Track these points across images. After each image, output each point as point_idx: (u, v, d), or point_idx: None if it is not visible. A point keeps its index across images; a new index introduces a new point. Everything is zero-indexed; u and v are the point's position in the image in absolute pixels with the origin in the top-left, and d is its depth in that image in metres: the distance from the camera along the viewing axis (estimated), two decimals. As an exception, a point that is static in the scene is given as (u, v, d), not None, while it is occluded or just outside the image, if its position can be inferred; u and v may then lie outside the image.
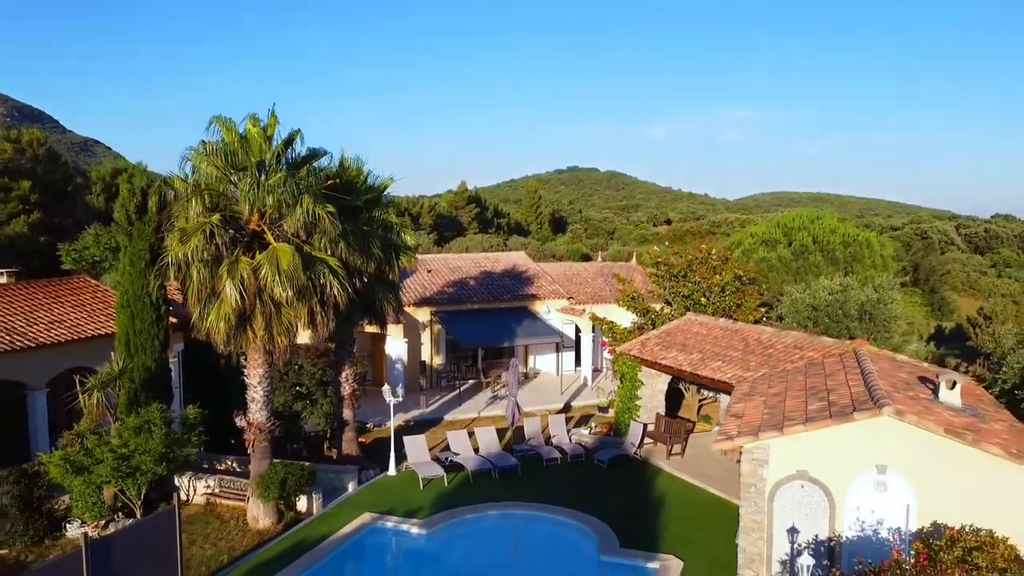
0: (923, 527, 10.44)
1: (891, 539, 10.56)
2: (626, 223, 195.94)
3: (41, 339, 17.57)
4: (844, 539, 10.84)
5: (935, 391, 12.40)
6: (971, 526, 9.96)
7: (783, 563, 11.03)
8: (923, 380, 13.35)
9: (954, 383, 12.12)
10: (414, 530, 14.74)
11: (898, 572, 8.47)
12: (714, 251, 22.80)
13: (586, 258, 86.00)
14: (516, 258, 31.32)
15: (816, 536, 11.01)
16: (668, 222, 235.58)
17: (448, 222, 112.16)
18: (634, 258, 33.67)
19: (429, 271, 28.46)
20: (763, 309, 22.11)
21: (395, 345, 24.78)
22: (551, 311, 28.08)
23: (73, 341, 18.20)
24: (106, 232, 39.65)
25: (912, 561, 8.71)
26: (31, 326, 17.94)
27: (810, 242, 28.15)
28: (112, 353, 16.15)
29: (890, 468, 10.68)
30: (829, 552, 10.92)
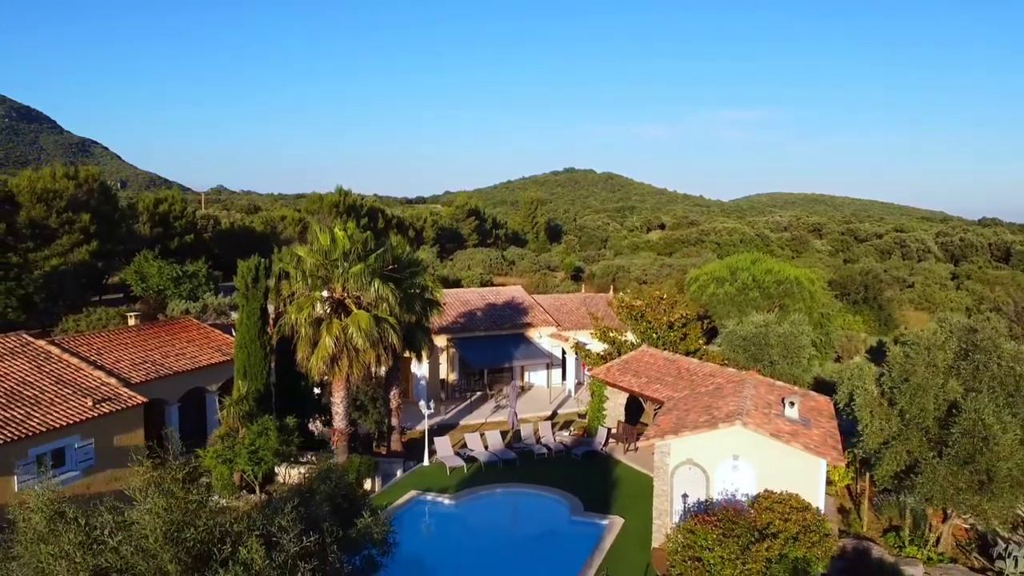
0: (759, 492, 17.35)
1: (741, 500, 17.47)
2: (620, 229, 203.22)
3: (174, 368, 24.46)
4: (714, 500, 17.75)
5: (787, 408, 19.34)
6: (785, 491, 16.89)
7: (679, 514, 17.94)
8: (784, 400, 20.26)
9: (792, 403, 19.08)
10: (446, 502, 21.66)
11: (725, 512, 15.40)
12: (665, 295, 29.63)
13: (578, 271, 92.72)
14: (514, 291, 38.25)
15: (698, 499, 17.93)
16: (662, 226, 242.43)
17: (449, 234, 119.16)
18: (611, 290, 40.52)
19: (444, 304, 35.28)
20: (702, 340, 29.00)
21: (419, 366, 31.63)
22: (542, 336, 34.97)
23: (193, 369, 25.10)
24: (168, 265, 46.56)
25: (734, 507, 15.67)
26: (165, 358, 24.82)
27: (750, 281, 34.99)
28: (237, 378, 23.02)
29: (741, 457, 17.63)
30: (705, 509, 17.81)
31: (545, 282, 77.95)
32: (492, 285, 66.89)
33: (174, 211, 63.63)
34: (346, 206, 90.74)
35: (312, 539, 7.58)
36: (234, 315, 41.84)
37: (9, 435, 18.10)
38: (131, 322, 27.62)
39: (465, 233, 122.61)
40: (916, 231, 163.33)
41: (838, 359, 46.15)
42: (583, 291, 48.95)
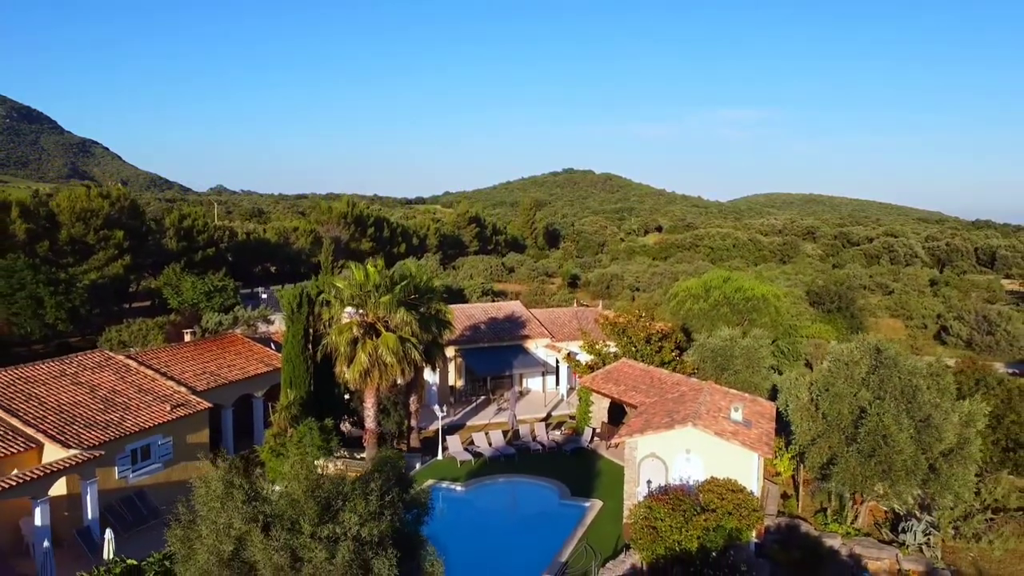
0: (707, 479, 22.00)
1: (692, 485, 22.12)
2: (617, 232, 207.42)
3: (229, 377, 29.11)
4: (671, 485, 22.41)
5: (733, 412, 23.98)
6: (726, 477, 21.54)
7: (643, 496, 22.61)
8: (732, 405, 24.88)
9: (737, 408, 23.74)
10: (458, 489, 26.32)
11: (675, 493, 20.07)
12: (644, 313, 34.28)
13: (575, 278, 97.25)
14: (514, 306, 42.93)
15: (659, 484, 22.58)
16: (659, 228, 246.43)
17: (451, 242, 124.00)
18: (600, 305, 45.14)
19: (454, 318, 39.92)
20: (675, 352, 33.63)
21: (432, 374, 36.28)
22: (538, 347, 39.63)
23: (244, 379, 29.75)
24: (200, 281, 51.18)
25: (683, 489, 20.36)
26: (220, 369, 29.47)
27: (721, 298, 39.61)
28: (284, 387, 27.66)
29: (693, 451, 22.30)
30: (663, 491, 22.46)
31: (543, 289, 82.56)
32: (493, 292, 71.63)
33: (197, 226, 68.34)
34: (353, 216, 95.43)
35: (389, 498, 12.18)
36: (261, 326, 46.66)
37: (113, 434, 22.77)
38: (187, 338, 32.28)
39: (466, 240, 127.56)
40: (906, 235, 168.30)
41: (808, 365, 50.84)
42: (579, 297, 53.59)
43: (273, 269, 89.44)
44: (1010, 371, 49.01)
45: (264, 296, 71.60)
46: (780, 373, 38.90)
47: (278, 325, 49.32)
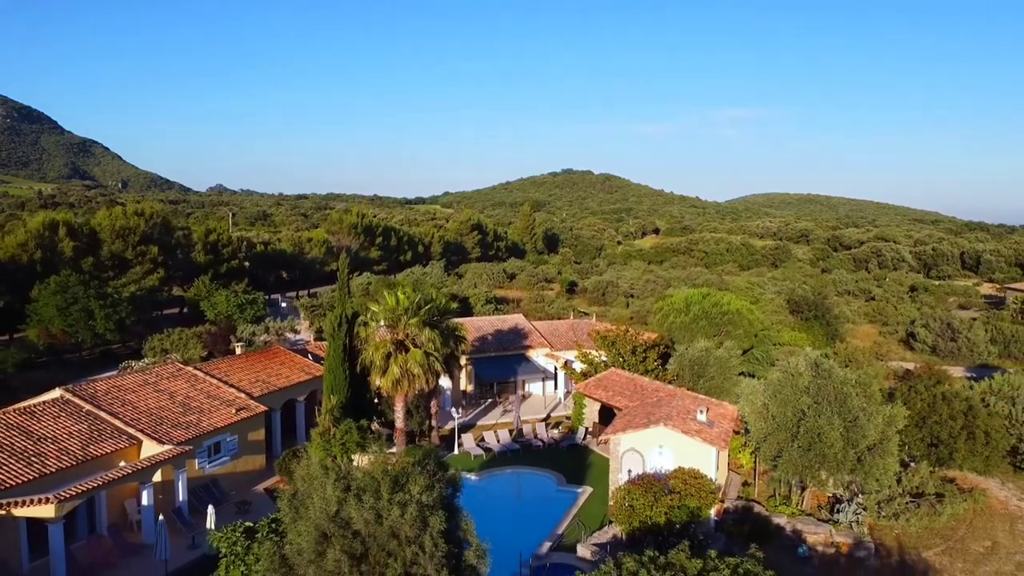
0: (675, 468, 27.27)
1: (663, 473, 27.38)
2: (615, 235, 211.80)
3: (278, 384, 34.34)
4: (646, 474, 27.67)
5: (699, 414, 29.27)
6: (691, 467, 26.81)
7: (623, 482, 27.86)
8: (699, 408, 30.14)
9: (702, 411, 29.03)
10: (472, 478, 31.57)
11: (647, 479, 25.33)
12: (630, 328, 39.53)
13: (573, 284, 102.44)
14: (517, 319, 48.23)
15: (638, 473, 27.85)
16: (657, 231, 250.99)
17: (455, 248, 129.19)
18: (593, 317, 50.38)
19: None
20: (659, 361, 38.91)
21: (445, 380, 41.52)
22: (539, 356, 44.90)
23: (289, 386, 34.99)
24: (232, 294, 56.40)
25: (654, 476, 25.64)
26: (270, 378, 34.71)
27: (700, 312, 44.84)
28: (322, 394, 32.90)
29: (664, 446, 27.59)
30: (640, 478, 27.72)
31: (542, 296, 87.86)
32: (496, 300, 76.91)
33: (222, 240, 73.56)
34: (363, 227, 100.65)
35: (437, 476, 17.43)
36: (289, 335, 51.89)
37: (193, 432, 28.03)
38: (238, 351, 37.52)
39: (468, 246, 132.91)
40: (896, 239, 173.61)
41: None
42: (576, 304, 58.88)
43: (286, 276, 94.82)
44: (968, 375, 54.24)
45: (283, 304, 76.99)
46: (755, 378, 44.23)
47: (304, 334, 54.68)
